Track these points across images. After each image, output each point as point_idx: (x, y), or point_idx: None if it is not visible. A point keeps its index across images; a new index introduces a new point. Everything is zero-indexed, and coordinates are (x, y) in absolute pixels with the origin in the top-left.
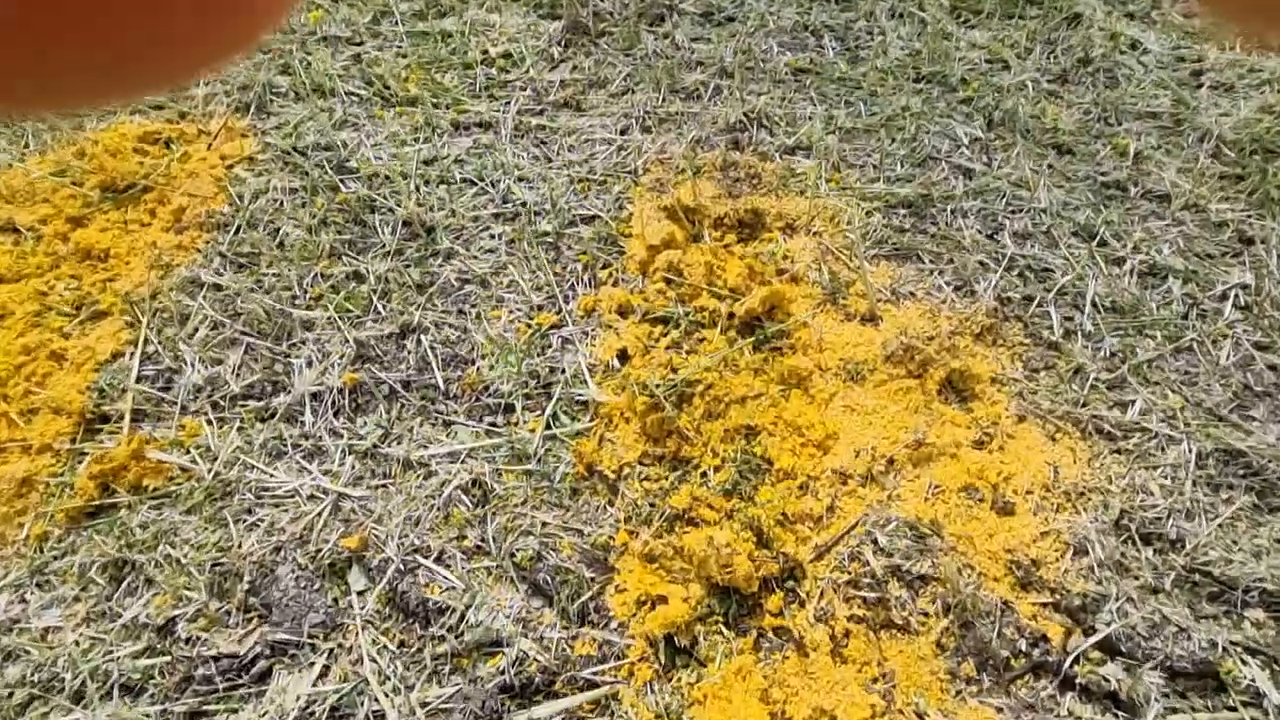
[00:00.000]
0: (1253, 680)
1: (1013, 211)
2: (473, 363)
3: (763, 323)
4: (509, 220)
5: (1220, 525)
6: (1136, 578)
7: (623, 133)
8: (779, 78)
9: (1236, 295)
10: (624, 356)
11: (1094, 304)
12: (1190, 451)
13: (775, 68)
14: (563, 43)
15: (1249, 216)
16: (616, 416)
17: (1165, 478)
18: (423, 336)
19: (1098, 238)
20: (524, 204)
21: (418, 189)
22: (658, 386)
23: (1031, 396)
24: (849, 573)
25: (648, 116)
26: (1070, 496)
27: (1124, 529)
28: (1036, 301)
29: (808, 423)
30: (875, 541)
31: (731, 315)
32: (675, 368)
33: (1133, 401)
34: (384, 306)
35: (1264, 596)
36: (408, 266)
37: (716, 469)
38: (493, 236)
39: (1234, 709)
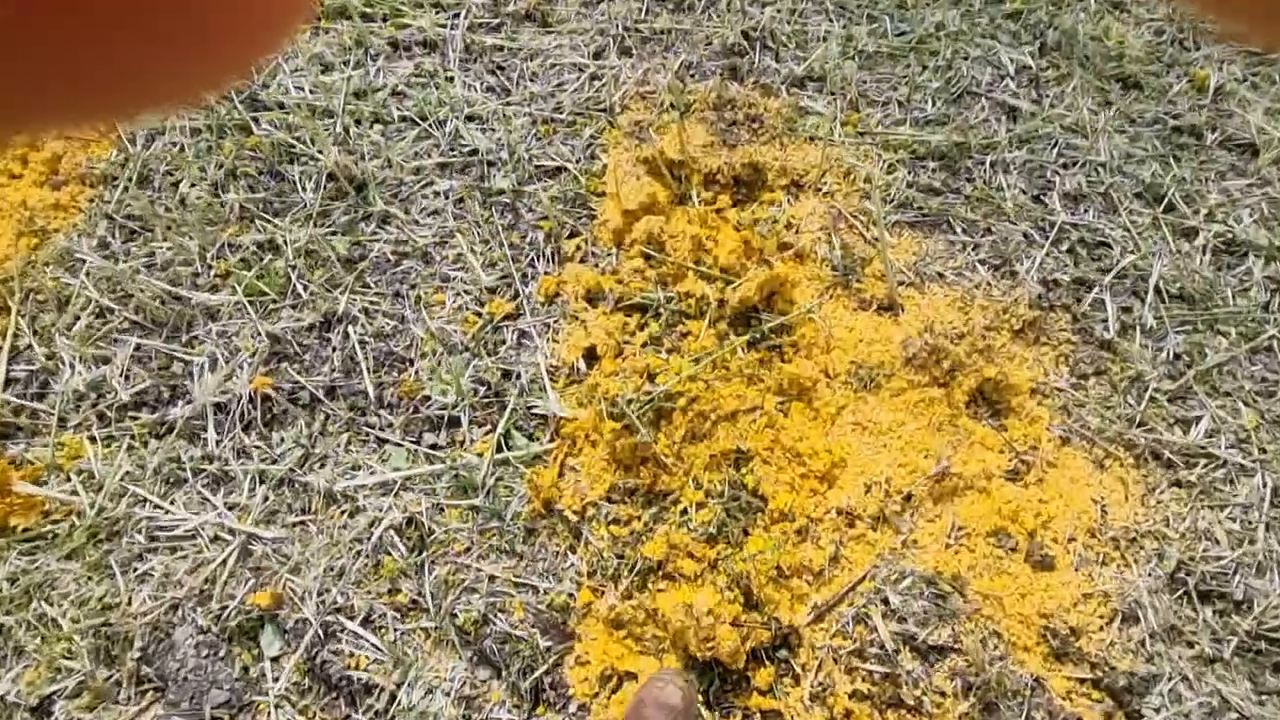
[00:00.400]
0: None
1: (1064, 166)
2: (410, 364)
3: (759, 314)
4: (458, 173)
5: None
6: (1192, 644)
7: (597, 56)
8: None
9: None
10: (592, 356)
11: (1158, 290)
12: (1265, 486)
13: None
14: None
15: None
16: (581, 438)
17: (1233, 520)
18: (351, 329)
19: (1165, 200)
20: (475, 152)
21: (346, 131)
22: (631, 403)
23: (1078, 411)
24: (853, 640)
25: (628, 34)
26: (1119, 544)
27: (1180, 583)
28: (1089, 286)
29: (810, 449)
30: (886, 601)
31: (722, 303)
32: (652, 374)
33: (1198, 419)
34: (304, 288)
35: None
36: (333, 234)
37: (699, 505)
38: (437, 194)
39: None
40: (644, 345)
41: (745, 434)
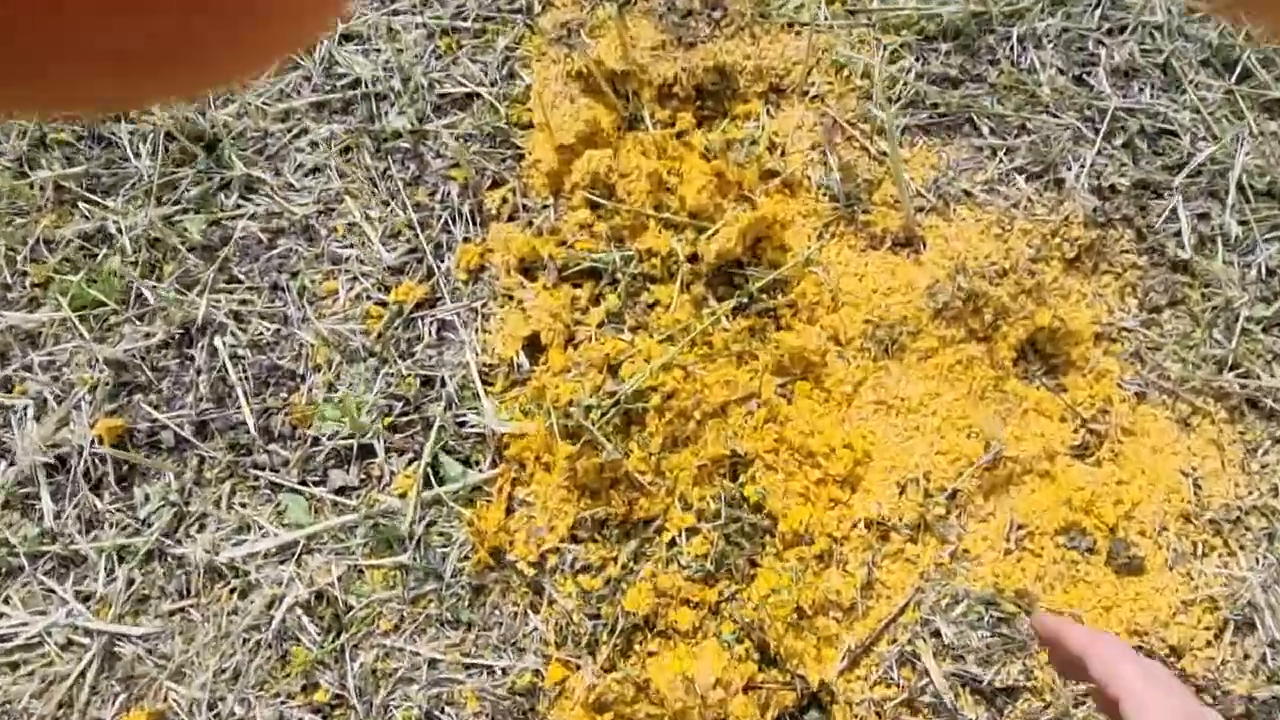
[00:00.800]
0: None
1: (1110, 33)
2: (301, 379)
3: (745, 269)
4: (338, 114)
5: None
6: None
7: None
8: None
9: None
10: (535, 347)
11: (1241, 188)
12: None
13: None
14: None
15: None
16: (531, 460)
17: None
18: (218, 341)
19: (1238, 67)
20: (358, 83)
21: None
22: (590, 410)
23: (1154, 357)
24: (899, 688)
25: None
26: (1220, 528)
27: None
28: (1155, 191)
29: (824, 445)
30: (936, 634)
31: (696, 259)
32: (615, 364)
33: None
34: (150, 292)
35: None
36: (183, 214)
37: (690, 533)
38: (315, 145)
39: None
40: (601, 325)
41: (740, 432)
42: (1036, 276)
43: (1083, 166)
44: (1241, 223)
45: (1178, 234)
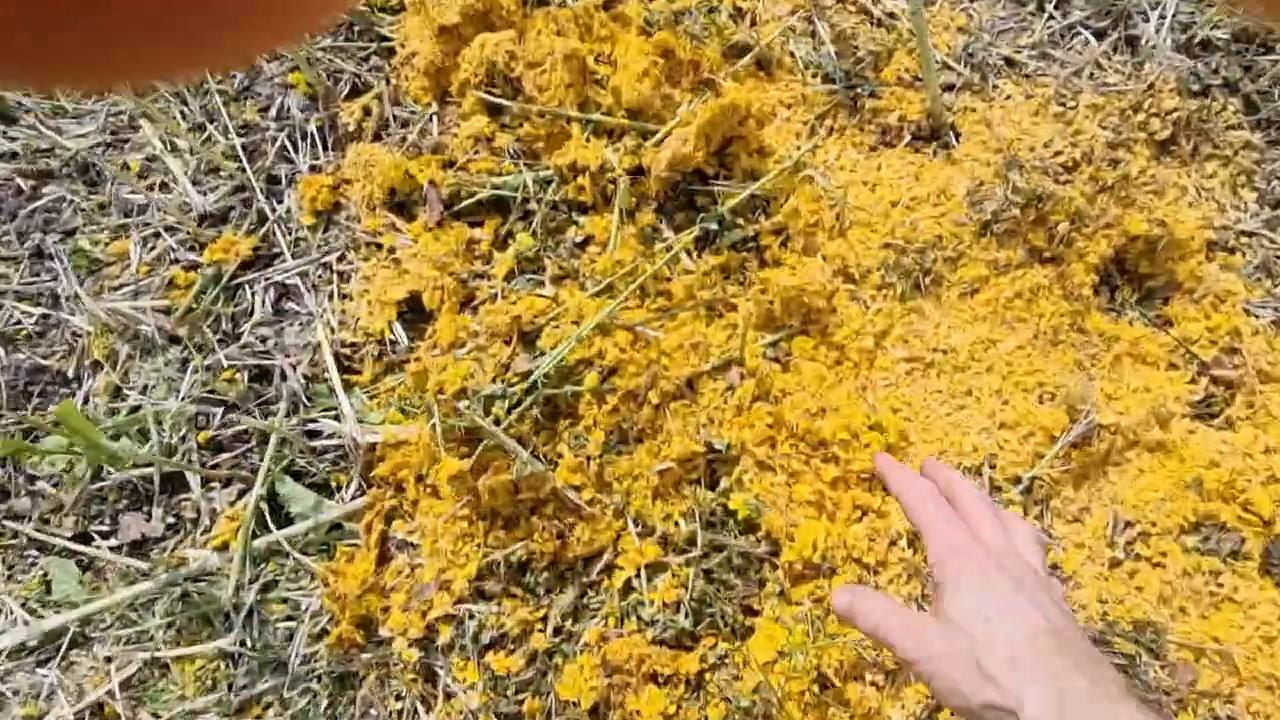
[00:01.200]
0: None
1: None
2: (77, 383)
3: (711, 184)
4: None
5: None
6: None
7: None
8: None
9: None
10: (417, 314)
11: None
12: None
13: None
14: None
15: None
16: (412, 482)
17: None
18: None
19: None
20: None
21: None
22: (494, 402)
23: None
24: None
25: None
26: None
27: None
28: (1263, 45)
29: (840, 426)
30: None
31: (640, 174)
32: (531, 332)
33: None
34: None
35: None
36: None
37: (653, 571)
38: None
39: None
40: (510, 278)
41: (718, 417)
42: (1120, 168)
43: (1163, 17)
44: None
45: None
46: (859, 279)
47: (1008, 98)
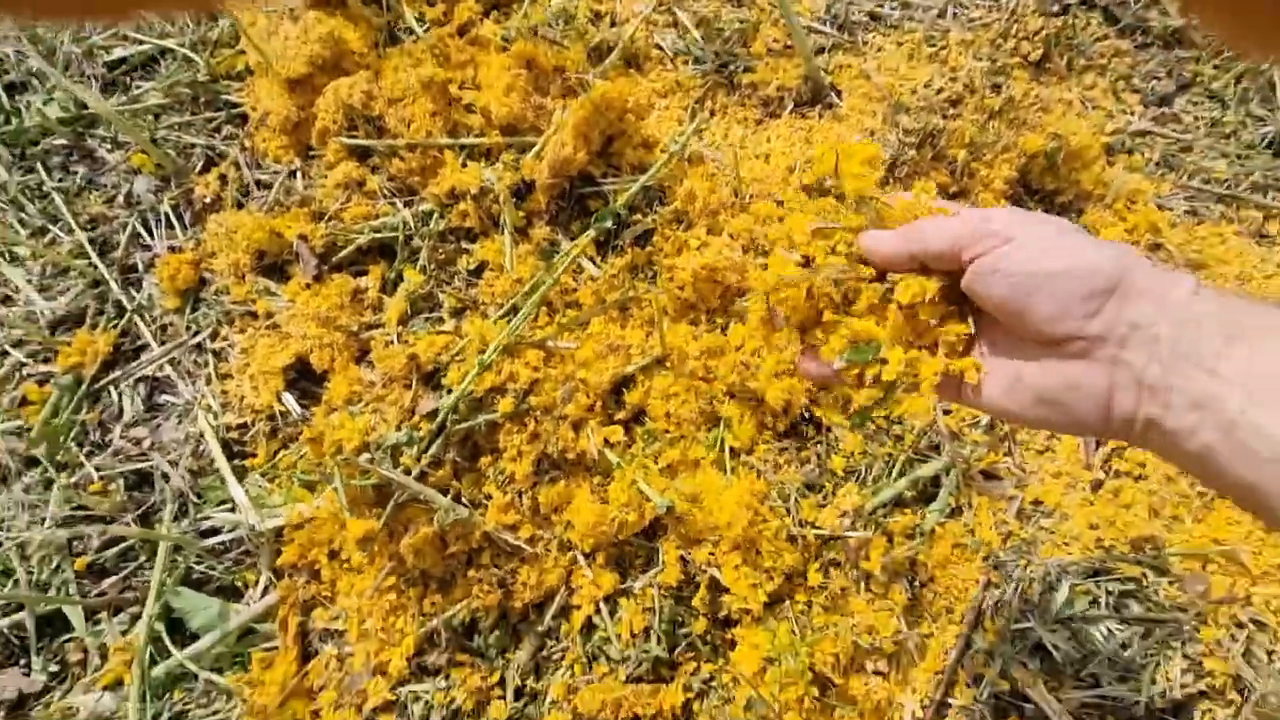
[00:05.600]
0: None
1: None
2: None
3: (600, 185)
4: None
5: None
6: None
7: None
8: None
9: None
10: (308, 378)
11: None
12: None
13: None
14: None
15: None
16: (324, 561)
17: None
18: None
19: None
20: None
21: None
22: (403, 448)
23: (1188, 159)
24: None
25: None
26: None
27: None
28: None
29: (770, 373)
30: (1039, 648)
31: (527, 190)
32: (435, 370)
33: None
34: None
35: None
36: None
37: (614, 600)
38: None
39: None
40: (405, 322)
41: (660, 428)
42: (1004, 92)
43: None
44: None
45: (1156, 0)
46: (769, 251)
47: (880, 50)
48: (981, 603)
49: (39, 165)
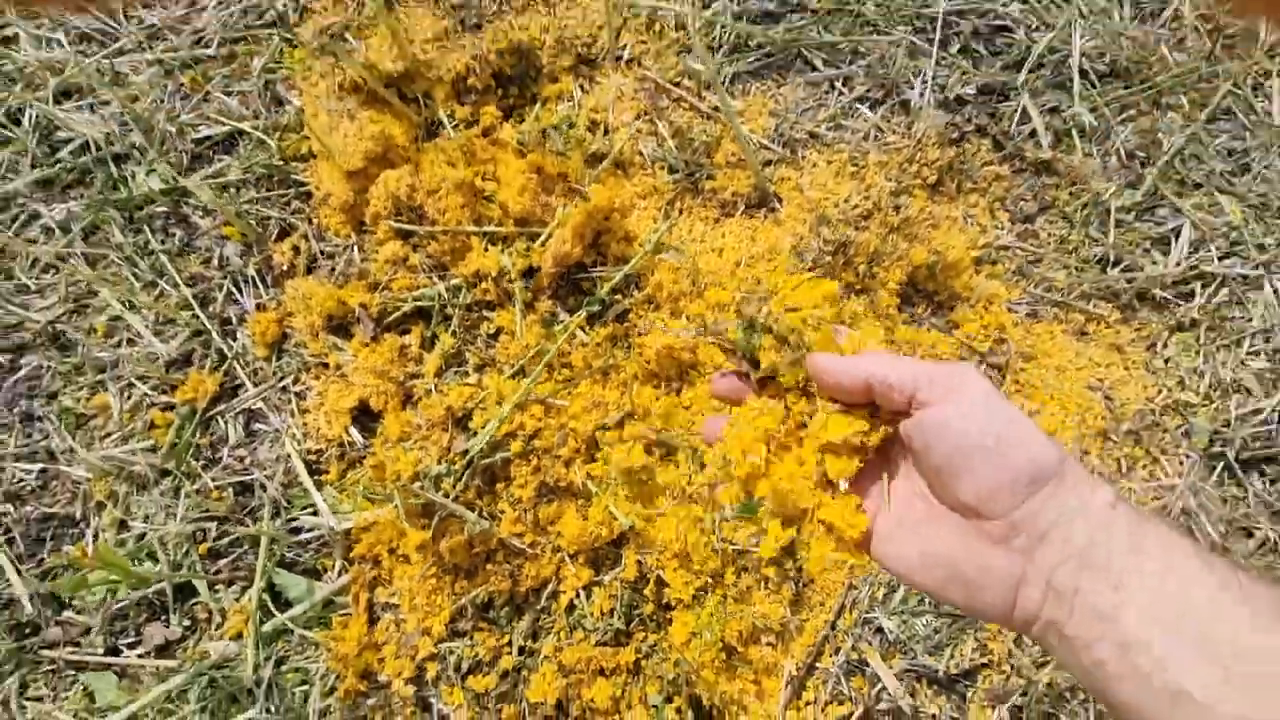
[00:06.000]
0: None
1: None
2: (85, 524)
3: (591, 271)
4: (73, 187)
5: None
6: (1251, 533)
7: None
8: None
9: None
10: (367, 416)
11: (1084, 73)
12: (1277, 293)
13: None
14: None
15: None
16: (386, 554)
17: (1256, 353)
18: None
19: None
20: (88, 148)
21: None
22: (440, 480)
23: (1037, 271)
24: (853, 702)
25: None
26: (1140, 438)
27: (1217, 459)
28: (1001, 94)
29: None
30: (880, 631)
31: (532, 272)
32: (463, 415)
33: (1176, 231)
34: None
35: None
36: None
37: (590, 589)
38: (50, 231)
39: None
40: (440, 373)
41: (622, 451)
42: (902, 211)
43: (925, 82)
44: (1092, 110)
45: (1033, 134)
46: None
47: (814, 165)
48: (844, 599)
49: (145, 228)
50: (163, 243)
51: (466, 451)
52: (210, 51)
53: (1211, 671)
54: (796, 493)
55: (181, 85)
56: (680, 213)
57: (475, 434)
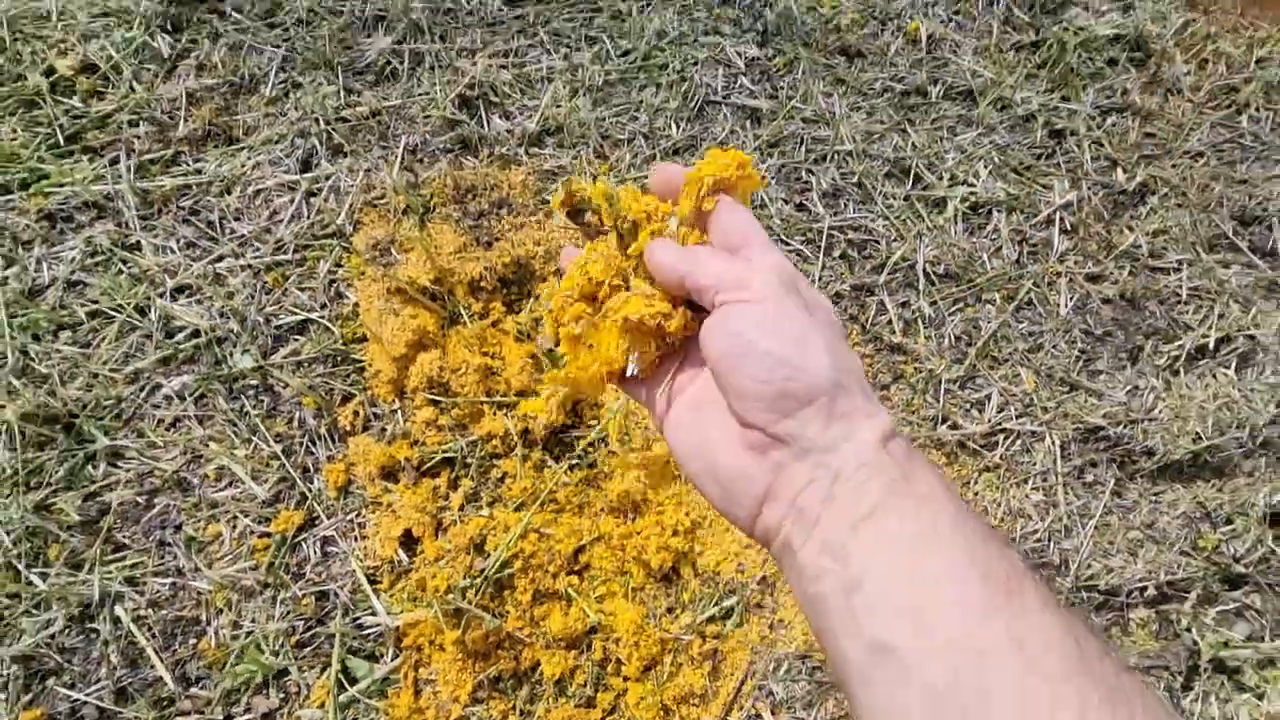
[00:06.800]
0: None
1: (816, 161)
2: (207, 623)
3: (569, 431)
4: (186, 365)
5: (1096, 527)
6: None
7: (305, 166)
8: (493, 18)
9: (1061, 219)
10: (410, 540)
11: (927, 275)
12: (1054, 445)
13: (485, 3)
14: (170, 23)
15: (1053, 100)
16: (426, 644)
17: (1037, 489)
18: (119, 609)
19: (911, 174)
20: (198, 333)
21: (25, 352)
22: (466, 591)
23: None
24: None
25: (332, 128)
26: None
27: None
28: (869, 290)
29: (656, 550)
30: (770, 694)
31: (528, 433)
32: (481, 540)
33: (988, 397)
34: (41, 579)
35: (1144, 595)
36: (54, 497)
37: (568, 670)
38: (169, 399)
39: None
40: (462, 508)
41: (597, 576)
42: None
43: (813, 280)
44: (931, 303)
45: (889, 322)
46: (654, 479)
47: None
48: (747, 671)
49: (241, 396)
50: (255, 408)
51: (483, 570)
52: (287, 257)
53: (920, 638)
54: (590, 380)
55: (265, 283)
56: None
57: (489, 555)
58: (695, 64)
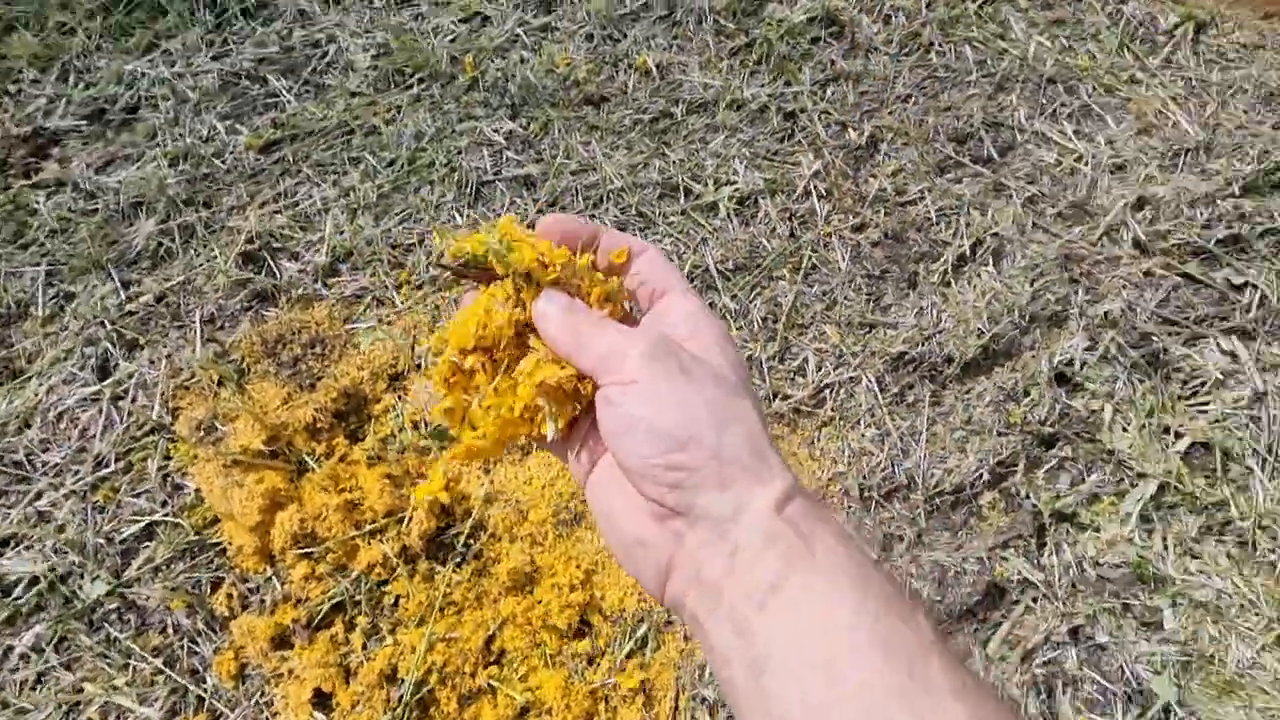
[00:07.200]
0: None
1: (595, 205)
2: None
3: (444, 533)
4: (32, 614)
5: (927, 439)
6: (902, 538)
7: (103, 372)
8: (252, 169)
9: (815, 188)
10: (323, 698)
11: (720, 273)
12: (872, 382)
13: (230, 149)
14: None
15: (778, 88)
16: None
17: (870, 426)
18: None
19: (681, 188)
20: (36, 579)
21: None
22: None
23: None
24: None
25: (119, 325)
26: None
27: (868, 500)
28: None
29: (562, 621)
30: (705, 699)
31: (407, 551)
32: (391, 670)
33: (805, 362)
34: None
35: (984, 481)
36: None
37: None
38: (25, 657)
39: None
40: (364, 646)
41: (515, 657)
42: None
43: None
44: (732, 296)
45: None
46: (545, 545)
47: None
48: (677, 688)
49: (104, 624)
50: (123, 631)
51: (402, 696)
52: (110, 469)
53: (823, 714)
54: (495, 447)
55: (96, 503)
56: (496, 463)
57: (403, 681)
58: (459, 152)
